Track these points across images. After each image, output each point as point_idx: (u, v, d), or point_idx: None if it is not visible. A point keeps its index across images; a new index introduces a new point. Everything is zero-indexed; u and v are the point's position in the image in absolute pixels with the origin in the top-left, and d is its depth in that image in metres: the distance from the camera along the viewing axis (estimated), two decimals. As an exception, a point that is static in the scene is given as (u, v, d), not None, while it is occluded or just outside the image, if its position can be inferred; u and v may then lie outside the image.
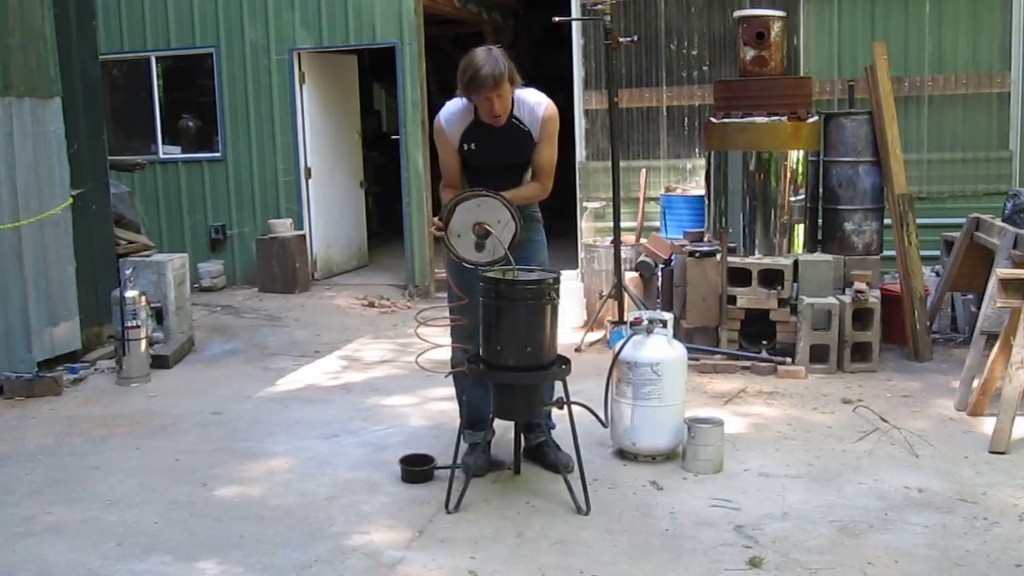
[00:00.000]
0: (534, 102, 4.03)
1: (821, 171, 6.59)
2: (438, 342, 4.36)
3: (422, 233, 9.01)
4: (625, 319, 6.40)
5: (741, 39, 6.52)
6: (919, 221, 6.33)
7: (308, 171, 9.41)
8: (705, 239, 6.55)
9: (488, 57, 3.82)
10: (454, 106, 4.09)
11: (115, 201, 7.34)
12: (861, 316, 5.95)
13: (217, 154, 9.57)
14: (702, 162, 7.53)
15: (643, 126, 8.37)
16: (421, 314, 4.37)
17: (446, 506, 3.87)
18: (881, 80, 6.37)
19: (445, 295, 4.32)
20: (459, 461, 4.06)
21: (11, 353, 5.92)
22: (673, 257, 6.52)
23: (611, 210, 6.84)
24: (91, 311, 6.56)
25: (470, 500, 3.91)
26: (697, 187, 7.78)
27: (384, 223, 11.83)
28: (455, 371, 4.27)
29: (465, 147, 4.10)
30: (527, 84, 4.08)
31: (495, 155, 4.07)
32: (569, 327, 6.97)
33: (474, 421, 4.21)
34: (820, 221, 6.68)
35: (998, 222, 5.74)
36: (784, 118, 6.26)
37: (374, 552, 3.53)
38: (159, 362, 6.36)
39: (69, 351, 6.32)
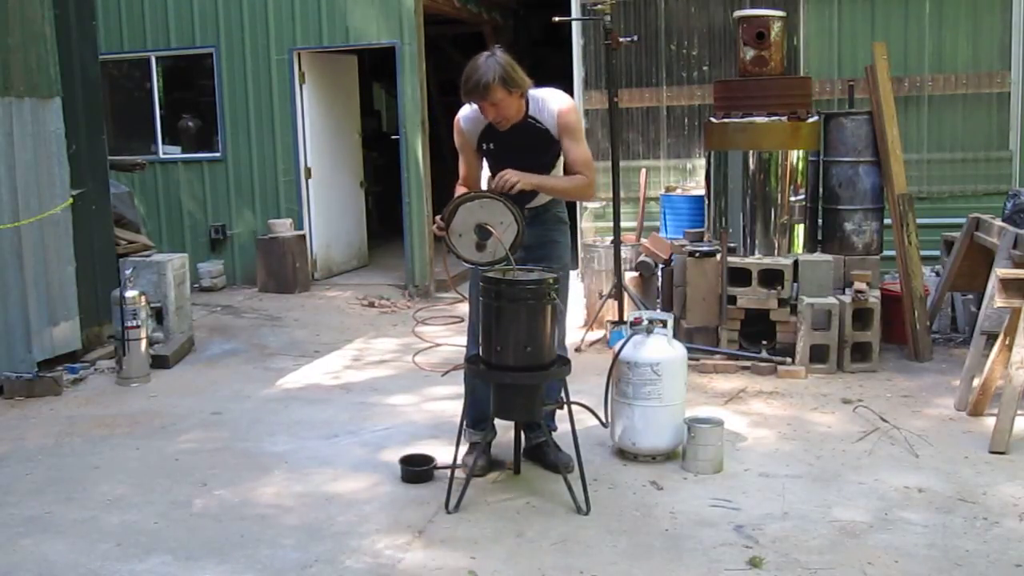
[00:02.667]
0: (548, 98, 4.03)
1: (821, 171, 6.59)
2: (437, 341, 4.35)
3: (422, 233, 9.00)
4: (625, 319, 6.40)
5: (741, 39, 6.52)
6: (919, 221, 6.34)
7: (308, 171, 9.41)
8: (705, 239, 6.56)
9: (483, 65, 3.82)
10: (471, 106, 4.11)
11: (115, 201, 7.34)
12: (861, 316, 5.95)
13: (217, 154, 9.57)
14: (702, 162, 7.53)
15: (643, 126, 8.37)
16: (419, 313, 4.38)
17: (446, 506, 3.87)
18: (881, 80, 6.37)
19: (445, 295, 4.33)
20: (459, 461, 4.06)
21: (11, 353, 5.92)
22: (673, 257, 6.52)
23: (611, 210, 6.84)
24: (91, 311, 6.56)
25: (470, 500, 3.91)
26: (697, 187, 7.78)
27: (384, 223, 11.84)
28: (452, 370, 4.27)
29: (484, 146, 4.11)
30: (540, 85, 4.08)
31: (514, 155, 4.06)
32: (569, 327, 6.96)
33: (479, 419, 4.22)
34: (820, 221, 6.68)
35: (998, 222, 5.74)
36: (784, 118, 6.26)
37: (374, 552, 3.53)
38: (159, 362, 6.36)
39: (69, 351, 6.32)
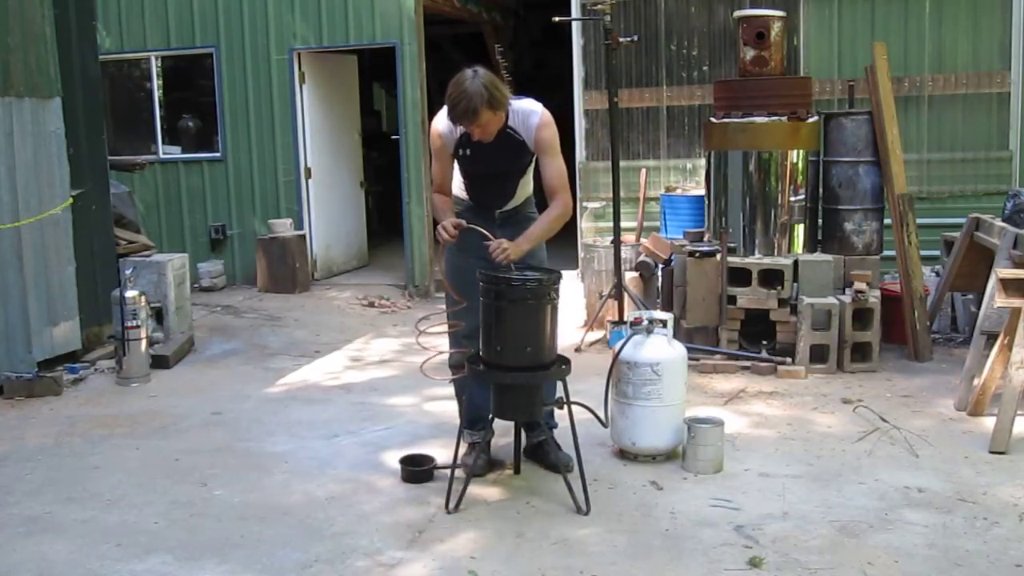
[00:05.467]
0: (528, 111, 4.03)
1: (821, 171, 6.59)
2: (440, 349, 4.35)
3: (422, 233, 9.00)
4: (625, 319, 6.39)
5: (741, 39, 6.53)
6: (919, 221, 6.34)
7: (308, 171, 9.41)
8: (705, 239, 6.56)
9: (469, 89, 3.77)
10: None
11: (115, 201, 7.33)
12: (861, 316, 5.95)
13: (217, 154, 9.57)
14: (702, 162, 7.53)
15: (643, 126, 8.37)
16: (420, 322, 4.37)
17: (446, 506, 3.87)
18: (881, 80, 6.37)
19: (444, 295, 4.33)
20: (459, 461, 4.07)
21: (11, 353, 5.92)
22: (673, 257, 6.52)
23: (611, 210, 6.84)
24: (91, 311, 6.56)
25: (470, 500, 3.92)
26: (697, 187, 7.78)
27: (384, 223, 11.83)
28: (457, 377, 4.27)
29: (461, 152, 4.12)
30: (521, 95, 4.11)
31: (490, 162, 4.08)
32: (569, 327, 6.97)
33: (475, 420, 4.21)
34: (820, 221, 6.68)
35: (998, 222, 5.74)
36: (784, 118, 6.26)
37: (374, 552, 3.53)
38: (159, 362, 6.36)
39: (69, 351, 6.32)
